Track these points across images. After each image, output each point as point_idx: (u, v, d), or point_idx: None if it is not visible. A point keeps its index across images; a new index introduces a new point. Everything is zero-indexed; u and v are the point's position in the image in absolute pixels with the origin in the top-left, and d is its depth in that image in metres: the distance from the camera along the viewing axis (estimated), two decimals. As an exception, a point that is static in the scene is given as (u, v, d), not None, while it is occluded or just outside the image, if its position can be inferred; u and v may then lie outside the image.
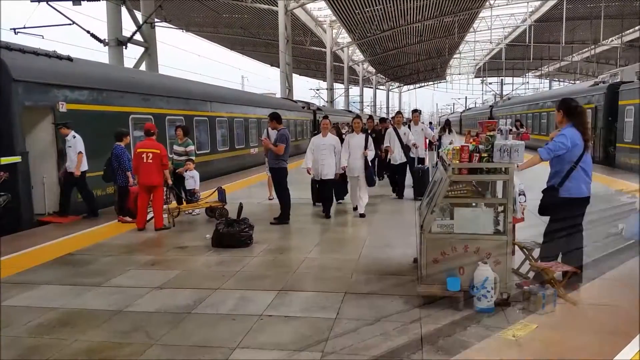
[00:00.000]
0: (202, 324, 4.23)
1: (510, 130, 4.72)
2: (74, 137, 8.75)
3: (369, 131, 11.90)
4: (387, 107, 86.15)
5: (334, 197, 9.55)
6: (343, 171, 8.90)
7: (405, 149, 10.61)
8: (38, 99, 8.75)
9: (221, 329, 4.11)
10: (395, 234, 7.37)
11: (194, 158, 9.63)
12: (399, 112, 11.52)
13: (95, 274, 5.71)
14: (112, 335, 4.03)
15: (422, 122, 17.19)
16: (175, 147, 9.53)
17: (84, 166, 8.80)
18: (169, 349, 3.77)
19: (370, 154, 8.86)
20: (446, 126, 16.74)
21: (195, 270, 5.82)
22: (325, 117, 9.12)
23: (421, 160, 11.48)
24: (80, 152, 8.74)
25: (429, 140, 12.72)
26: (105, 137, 9.24)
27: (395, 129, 10.78)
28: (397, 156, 10.68)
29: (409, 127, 11.61)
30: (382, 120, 14.88)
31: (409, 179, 10.92)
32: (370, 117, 14.32)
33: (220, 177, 15.22)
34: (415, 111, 12.74)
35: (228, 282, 5.33)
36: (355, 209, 9.06)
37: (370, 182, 8.90)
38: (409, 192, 10.78)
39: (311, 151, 8.96)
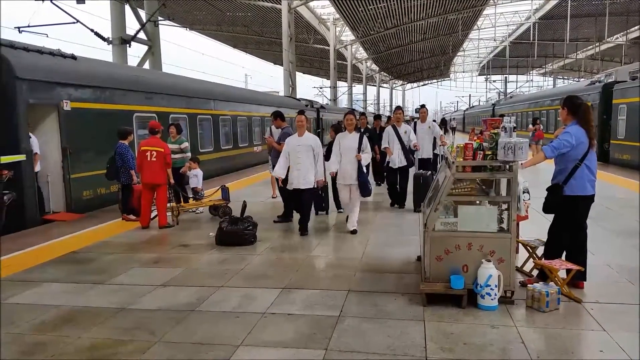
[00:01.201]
0: (205, 322, 4.23)
1: (515, 128, 4.69)
2: (29, 137, 8.62)
3: (362, 130, 10.35)
4: (391, 105, 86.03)
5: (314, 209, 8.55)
6: (327, 179, 7.62)
7: (406, 151, 9.20)
8: (42, 97, 8.78)
9: (224, 327, 4.11)
10: (395, 240, 7.37)
11: (189, 154, 9.63)
12: (398, 108, 9.88)
13: (99, 272, 5.73)
14: (116, 333, 4.04)
15: (434, 120, 16.58)
16: (169, 146, 9.43)
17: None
18: (172, 347, 3.77)
19: (366, 157, 7.31)
20: (442, 125, 15.94)
21: (199, 268, 5.83)
22: (301, 112, 7.49)
23: (428, 162, 10.18)
24: (36, 153, 8.67)
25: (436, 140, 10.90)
26: (109, 135, 9.26)
27: (394, 127, 9.29)
28: (397, 159, 9.17)
29: (415, 125, 10.32)
30: (377, 117, 12.95)
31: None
32: (363, 114, 12.05)
33: (223, 175, 15.25)
34: (422, 107, 11.05)
35: (231, 280, 5.34)
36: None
37: (364, 192, 7.28)
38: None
39: (286, 156, 7.35)
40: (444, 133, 14.34)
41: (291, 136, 7.55)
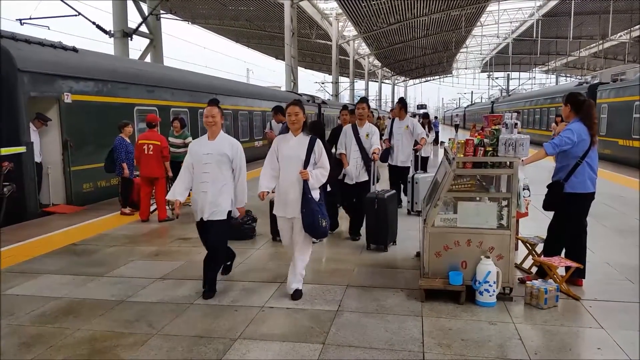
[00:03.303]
0: (204, 315, 4.24)
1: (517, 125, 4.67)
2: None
3: (342, 127, 7.17)
4: (392, 102, 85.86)
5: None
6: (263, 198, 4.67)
7: (367, 160, 6.61)
8: (43, 90, 8.77)
9: (223, 320, 4.12)
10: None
11: None
12: (362, 100, 6.78)
13: (99, 264, 5.74)
14: (115, 325, 4.05)
15: (427, 116, 14.64)
16: (172, 140, 9.45)
17: None
18: (171, 339, 3.78)
19: (317, 176, 4.49)
20: (424, 122, 12.97)
21: (198, 262, 5.79)
22: (212, 101, 4.80)
23: (402, 173, 8.21)
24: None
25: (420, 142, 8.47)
26: (110, 128, 9.25)
27: (354, 128, 6.67)
28: (353, 171, 6.58)
29: (392, 124, 8.47)
30: (350, 111, 8.13)
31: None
32: (345, 107, 8.62)
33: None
34: (399, 101, 8.60)
35: (230, 273, 5.34)
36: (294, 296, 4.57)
37: (312, 231, 4.45)
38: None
39: (189, 169, 4.72)
40: (428, 131, 11.97)
41: (196, 140, 4.94)
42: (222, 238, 4.78)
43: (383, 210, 6.02)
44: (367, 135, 6.59)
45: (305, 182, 4.40)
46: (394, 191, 6.48)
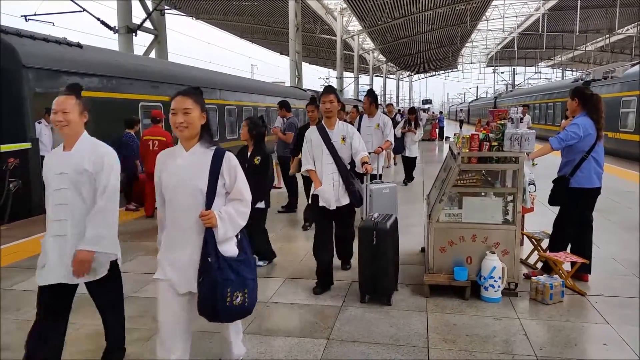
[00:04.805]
0: (209, 310, 4.24)
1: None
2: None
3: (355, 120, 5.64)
4: (397, 97, 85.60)
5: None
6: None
7: (347, 176, 4.59)
8: (48, 86, 8.79)
9: (227, 315, 4.12)
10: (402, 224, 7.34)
11: None
12: (329, 90, 4.59)
13: (104, 260, 5.76)
14: (120, 320, 4.06)
15: (413, 111, 12.43)
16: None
17: None
18: (176, 334, 3.79)
19: (230, 218, 2.60)
20: (411, 118, 11.59)
21: (203, 257, 5.83)
22: (69, 87, 3.38)
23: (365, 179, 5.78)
24: None
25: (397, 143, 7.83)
26: (115, 124, 9.26)
27: (322, 130, 4.61)
28: (331, 193, 4.55)
29: (360, 121, 7.10)
30: (313, 100, 6.75)
31: None
32: (312, 99, 6.82)
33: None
34: (368, 94, 7.12)
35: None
36: None
37: (214, 314, 2.57)
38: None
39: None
40: (415, 128, 11.15)
41: (49, 153, 3.25)
42: (114, 303, 3.30)
43: (384, 244, 4.23)
44: (343, 139, 4.61)
45: (210, 233, 2.56)
46: (394, 216, 4.65)
